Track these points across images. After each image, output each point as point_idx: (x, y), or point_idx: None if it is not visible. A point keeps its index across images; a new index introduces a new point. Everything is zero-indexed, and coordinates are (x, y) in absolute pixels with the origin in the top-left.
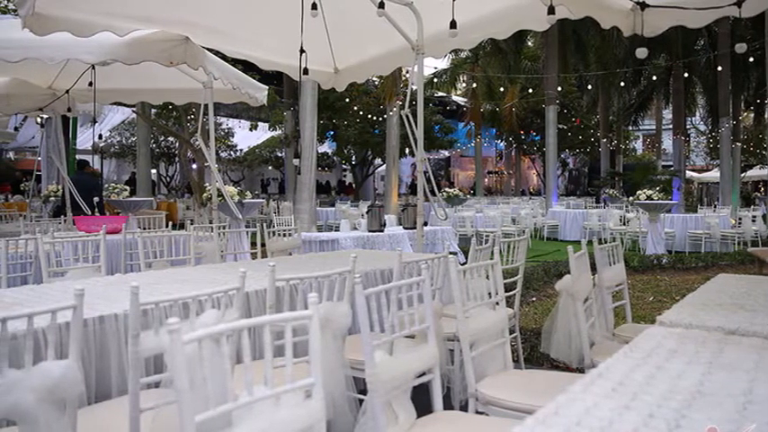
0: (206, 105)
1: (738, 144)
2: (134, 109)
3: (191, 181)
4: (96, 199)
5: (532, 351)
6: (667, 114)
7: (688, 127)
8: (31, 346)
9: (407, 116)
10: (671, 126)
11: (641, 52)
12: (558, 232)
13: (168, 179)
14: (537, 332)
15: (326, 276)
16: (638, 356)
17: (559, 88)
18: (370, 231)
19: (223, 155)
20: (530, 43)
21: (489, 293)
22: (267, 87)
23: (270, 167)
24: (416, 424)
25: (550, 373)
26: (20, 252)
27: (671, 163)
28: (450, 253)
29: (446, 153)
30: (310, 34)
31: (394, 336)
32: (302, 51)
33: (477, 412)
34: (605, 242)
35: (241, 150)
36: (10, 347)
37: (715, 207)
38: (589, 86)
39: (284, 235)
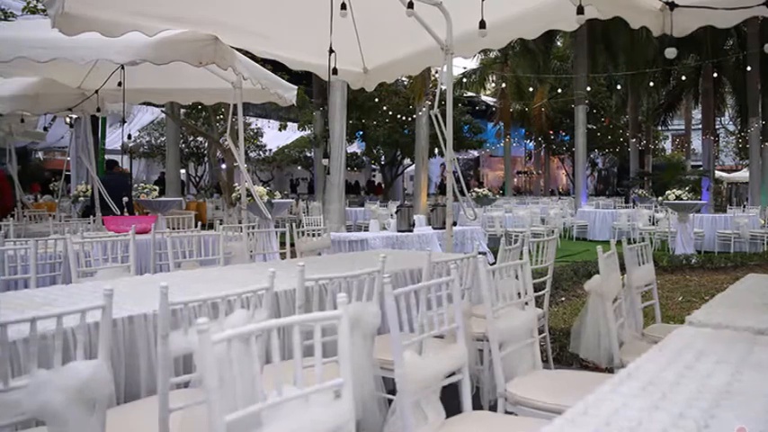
0: (235, 105)
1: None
2: (163, 109)
3: (220, 181)
4: (125, 199)
5: (561, 351)
6: (696, 114)
7: (717, 127)
8: (61, 345)
9: (436, 116)
10: (700, 126)
11: (670, 52)
12: (587, 232)
13: (197, 179)
14: (566, 332)
15: (356, 276)
16: (667, 356)
17: (588, 88)
18: (399, 231)
19: (252, 155)
20: (559, 43)
21: (518, 293)
22: (296, 87)
23: (299, 167)
24: (445, 424)
25: (579, 373)
26: (49, 252)
27: (700, 163)
28: (480, 253)
29: (475, 153)
30: (339, 34)
31: (423, 336)
32: (331, 51)
33: (507, 412)
34: (634, 242)
35: (270, 150)
36: (39, 347)
37: (744, 207)
38: (618, 86)
39: (313, 235)
